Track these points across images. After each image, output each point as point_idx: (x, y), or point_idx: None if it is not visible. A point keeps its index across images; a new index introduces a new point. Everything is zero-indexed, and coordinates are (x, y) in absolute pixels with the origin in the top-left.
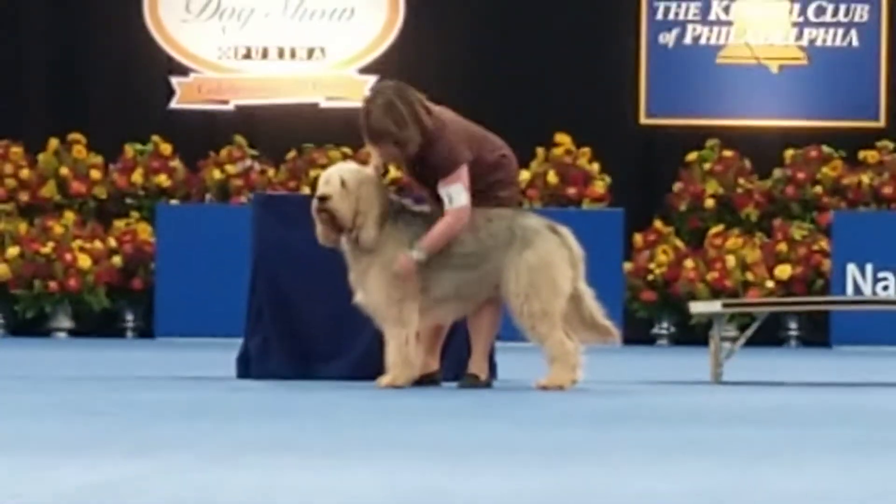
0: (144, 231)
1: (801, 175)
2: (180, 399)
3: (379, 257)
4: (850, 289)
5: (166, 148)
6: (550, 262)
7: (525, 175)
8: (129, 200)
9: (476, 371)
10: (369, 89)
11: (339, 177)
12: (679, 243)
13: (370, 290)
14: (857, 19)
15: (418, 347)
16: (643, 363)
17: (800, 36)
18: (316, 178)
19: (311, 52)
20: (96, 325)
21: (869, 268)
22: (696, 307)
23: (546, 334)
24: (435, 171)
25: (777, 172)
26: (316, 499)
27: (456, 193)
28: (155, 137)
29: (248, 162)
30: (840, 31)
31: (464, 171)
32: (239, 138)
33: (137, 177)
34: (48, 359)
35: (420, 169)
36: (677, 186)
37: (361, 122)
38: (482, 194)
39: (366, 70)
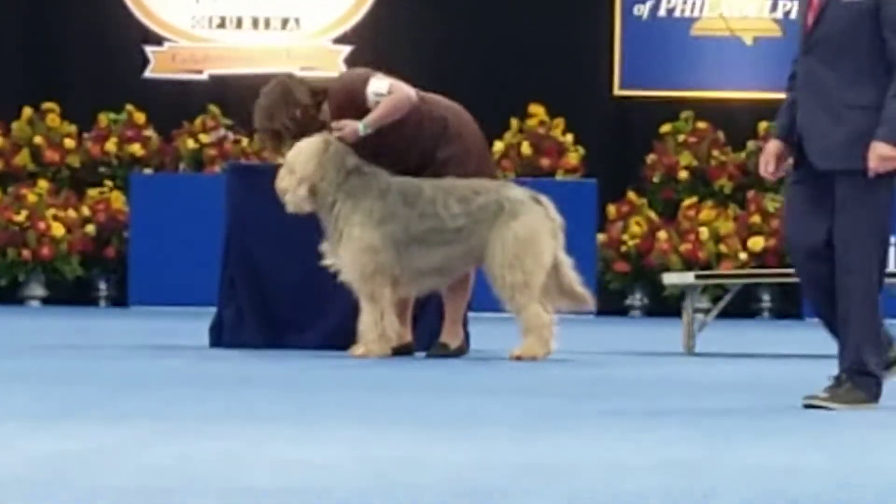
0: (118, 200)
1: None
2: (153, 368)
3: (347, 231)
4: None
5: (140, 117)
6: (536, 234)
7: (499, 146)
8: (102, 169)
9: (447, 340)
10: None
11: (286, 157)
12: (652, 215)
13: (342, 265)
14: None
15: (395, 320)
16: (616, 334)
17: (774, 8)
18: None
19: (285, 22)
20: (69, 293)
21: None
22: (670, 278)
23: (524, 305)
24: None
25: (751, 144)
26: (288, 468)
27: (378, 86)
28: (129, 106)
29: (222, 131)
30: None
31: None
32: (213, 108)
33: (111, 146)
34: (21, 327)
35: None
36: (651, 158)
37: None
38: (423, 155)
39: (340, 40)
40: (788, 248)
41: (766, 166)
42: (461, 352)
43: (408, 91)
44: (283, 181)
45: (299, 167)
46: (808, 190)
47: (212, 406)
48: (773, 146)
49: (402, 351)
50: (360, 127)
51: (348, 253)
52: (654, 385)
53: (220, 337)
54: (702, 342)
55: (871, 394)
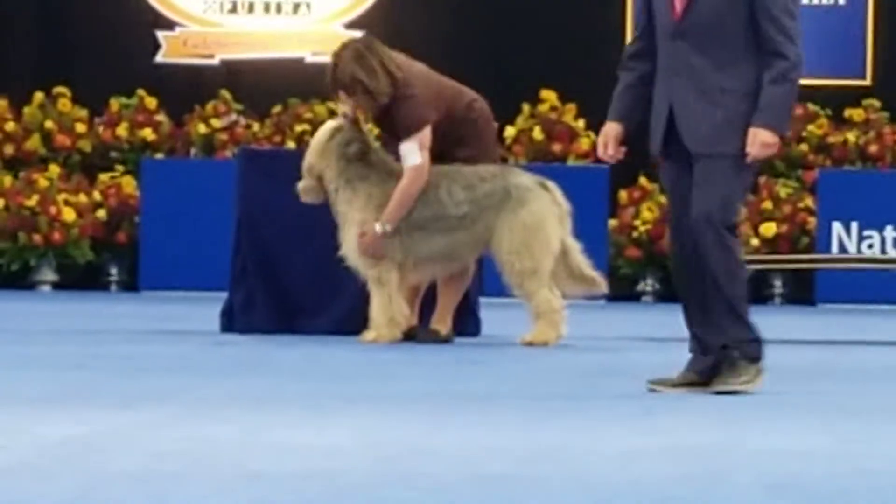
0: (129, 185)
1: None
2: (164, 353)
3: (351, 216)
4: (835, 247)
5: (151, 102)
6: (544, 220)
7: (510, 131)
8: (113, 154)
9: (438, 326)
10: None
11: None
12: (664, 200)
13: (347, 250)
14: None
15: (403, 303)
16: (628, 320)
17: None
18: (301, 133)
19: (296, 7)
20: (80, 278)
21: (854, 226)
22: None
23: (533, 291)
24: (399, 127)
25: None
26: (297, 452)
27: (410, 153)
28: (140, 91)
29: (234, 116)
30: None
31: (426, 132)
32: (224, 93)
33: (122, 130)
34: (32, 312)
35: (388, 124)
36: None
37: (329, 75)
38: (443, 153)
39: (351, 25)
40: (674, 226)
41: (605, 149)
42: (449, 339)
43: (421, 170)
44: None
45: (308, 154)
46: (686, 168)
47: (222, 391)
48: (612, 129)
49: (409, 336)
50: (378, 227)
51: (350, 237)
52: (666, 370)
53: (231, 322)
54: None
55: (759, 358)
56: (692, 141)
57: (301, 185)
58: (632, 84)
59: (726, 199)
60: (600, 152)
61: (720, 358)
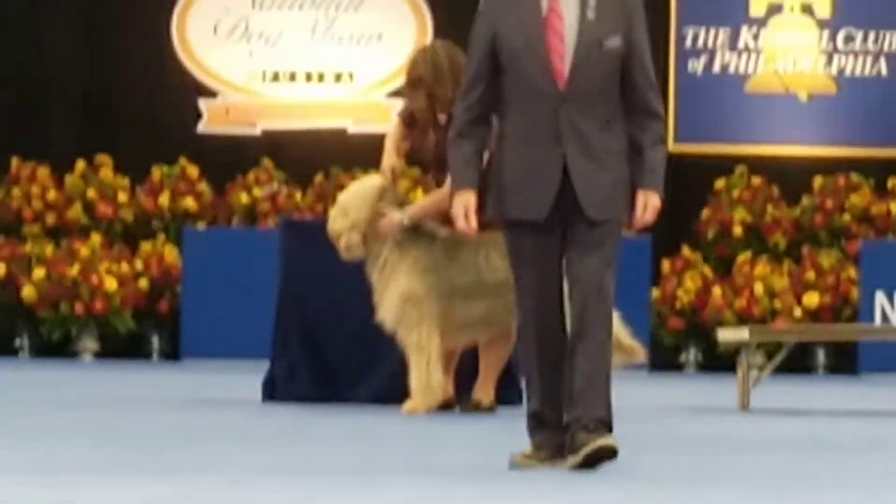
0: (171, 254)
1: (829, 203)
2: (206, 422)
3: (394, 281)
4: (878, 317)
5: (193, 170)
6: None
7: None
8: (155, 223)
9: (480, 396)
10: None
11: (339, 198)
12: (707, 270)
13: (387, 315)
14: (886, 48)
15: (440, 370)
16: (670, 390)
17: (829, 64)
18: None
19: (339, 76)
20: (122, 347)
21: None
22: (724, 335)
23: None
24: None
25: (805, 200)
26: None
27: None
28: (182, 160)
29: (275, 185)
30: (869, 60)
31: None
32: (266, 161)
33: (164, 199)
34: (74, 381)
35: (424, 151)
36: (705, 213)
37: (405, 70)
38: None
39: (394, 94)
40: (538, 296)
41: (470, 221)
42: (492, 409)
43: None
44: (337, 223)
45: (354, 211)
46: (555, 236)
47: (266, 460)
48: (471, 198)
49: (444, 405)
50: (403, 217)
51: (392, 301)
52: (709, 442)
53: (273, 391)
54: (756, 398)
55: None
56: (592, 207)
57: (345, 241)
58: (476, 151)
59: (612, 267)
60: (461, 224)
61: (588, 428)
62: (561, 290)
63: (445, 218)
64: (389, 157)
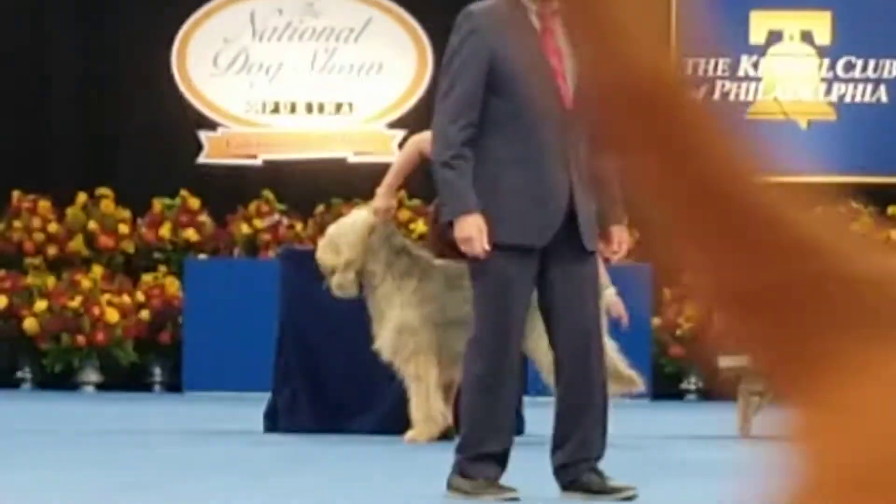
0: (172, 285)
1: None
2: (208, 453)
3: (389, 313)
4: None
5: (194, 202)
6: None
7: None
8: (157, 255)
9: None
10: None
11: (329, 231)
12: None
13: (384, 346)
14: (885, 75)
15: (440, 400)
16: (672, 418)
17: (829, 91)
18: None
19: (339, 107)
20: (124, 378)
21: None
22: (725, 361)
23: None
24: None
25: None
26: None
27: None
28: (183, 192)
29: (276, 216)
30: (869, 87)
31: None
32: (267, 193)
33: (165, 231)
34: (76, 413)
35: None
36: None
37: None
38: None
39: (394, 125)
40: (509, 319)
41: (484, 244)
42: None
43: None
44: (327, 256)
45: (347, 249)
46: (531, 266)
47: (268, 491)
48: (482, 221)
49: (445, 435)
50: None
51: (387, 332)
52: (711, 468)
53: (275, 422)
54: (757, 425)
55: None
56: (586, 235)
57: (336, 280)
58: (469, 173)
59: (596, 295)
60: (478, 249)
61: (596, 471)
62: (526, 317)
63: (441, 251)
64: (383, 199)
